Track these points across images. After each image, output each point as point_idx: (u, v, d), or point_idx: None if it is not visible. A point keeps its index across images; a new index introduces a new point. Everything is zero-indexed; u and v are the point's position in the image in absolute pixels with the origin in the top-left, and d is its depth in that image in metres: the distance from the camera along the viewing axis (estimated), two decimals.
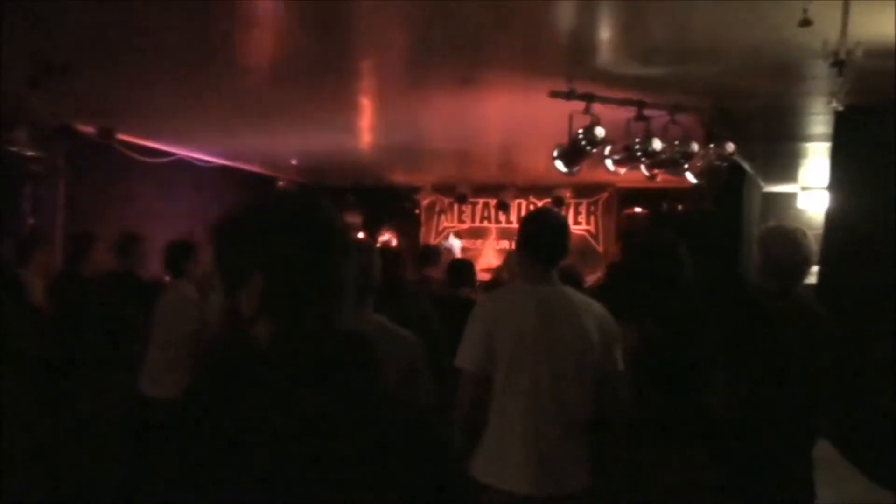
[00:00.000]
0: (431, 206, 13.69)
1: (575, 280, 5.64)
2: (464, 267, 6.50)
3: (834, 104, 5.53)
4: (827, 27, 4.23)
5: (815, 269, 5.52)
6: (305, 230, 1.48)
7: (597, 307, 3.52)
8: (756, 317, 3.90)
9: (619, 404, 3.48)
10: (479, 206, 13.50)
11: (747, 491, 3.74)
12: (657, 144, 6.40)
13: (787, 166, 9.87)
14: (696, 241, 7.17)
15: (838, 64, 4.17)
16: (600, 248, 12.68)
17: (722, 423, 3.67)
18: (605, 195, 12.72)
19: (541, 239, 3.53)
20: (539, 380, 3.34)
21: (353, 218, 13.23)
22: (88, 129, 8.71)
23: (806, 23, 3.87)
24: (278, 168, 12.26)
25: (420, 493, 1.42)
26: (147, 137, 9.93)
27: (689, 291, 3.85)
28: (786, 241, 3.93)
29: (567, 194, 12.51)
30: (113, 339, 5.56)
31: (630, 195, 12.05)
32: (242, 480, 1.33)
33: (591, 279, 10.78)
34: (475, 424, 3.43)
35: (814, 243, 4.03)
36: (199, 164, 11.18)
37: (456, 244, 12.53)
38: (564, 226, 3.63)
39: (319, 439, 1.36)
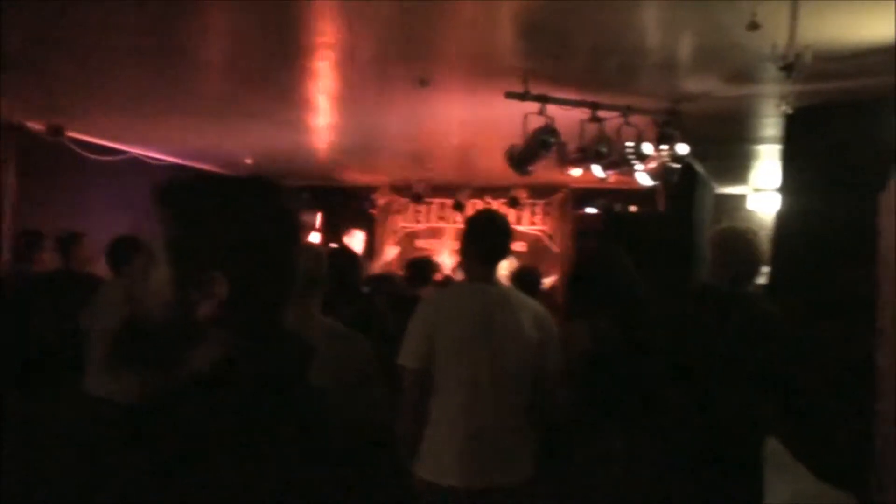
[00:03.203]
0: (388, 206, 13.65)
1: (532, 280, 5.70)
2: (423, 265, 6.49)
3: (784, 107, 5.63)
4: (776, 31, 4.29)
5: (765, 269, 5.60)
6: (280, 231, 1.37)
7: (535, 305, 3.65)
8: (707, 316, 3.96)
9: (560, 399, 3.59)
10: (436, 206, 13.49)
11: (697, 487, 3.79)
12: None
13: (738, 168, 9.99)
14: (649, 241, 7.26)
15: (787, 67, 4.24)
16: (556, 249, 12.73)
17: (671, 419, 3.72)
18: (559, 196, 12.77)
19: (483, 240, 3.63)
20: (478, 376, 3.43)
21: (310, 218, 13.15)
22: (38, 127, 8.57)
23: (754, 26, 3.94)
24: (233, 167, 12.13)
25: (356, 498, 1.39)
26: (98, 135, 9.79)
27: (641, 290, 3.90)
28: (738, 241, 4.00)
29: (523, 195, 12.54)
30: (62, 339, 5.46)
31: (585, 196, 12.11)
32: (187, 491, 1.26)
33: (547, 281, 10.83)
34: (419, 422, 3.50)
35: (764, 243, 4.10)
36: (151, 162, 11.03)
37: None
38: (506, 227, 3.74)
39: (259, 447, 1.29)
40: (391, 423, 3.51)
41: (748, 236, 4.01)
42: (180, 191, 1.38)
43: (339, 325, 3.49)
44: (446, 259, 13.01)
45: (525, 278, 5.52)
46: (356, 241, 11.44)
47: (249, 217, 1.35)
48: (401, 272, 7.77)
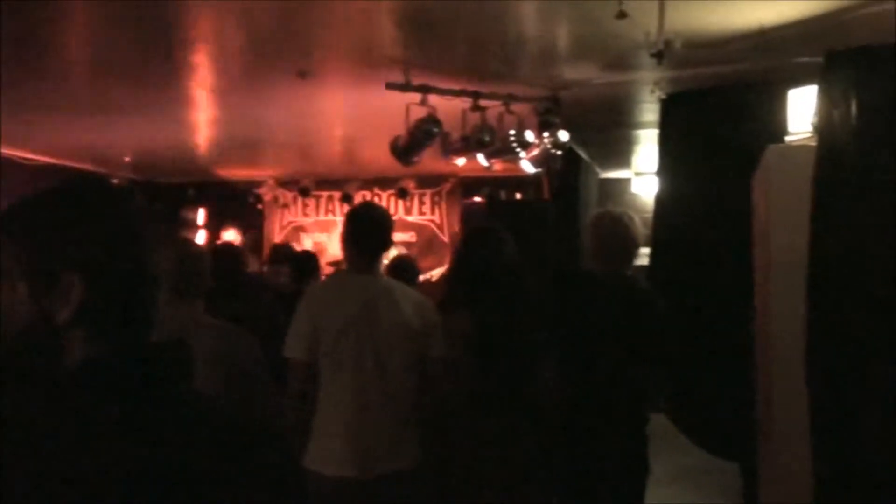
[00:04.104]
0: (275, 200, 13.45)
1: (409, 270, 5.72)
2: (308, 260, 6.44)
3: (657, 93, 5.78)
4: (648, 19, 4.41)
5: (647, 250, 5.76)
6: (126, 225, 1.35)
7: (416, 295, 3.78)
8: (587, 299, 4.05)
9: (444, 386, 3.67)
10: (324, 200, 13.37)
11: (581, 467, 3.88)
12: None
13: (621, 153, 10.21)
14: (533, 227, 7.36)
15: (657, 55, 4.36)
16: (446, 238, 12.78)
17: (554, 402, 3.81)
18: (447, 185, 12.81)
19: (363, 233, 3.71)
20: (362, 365, 3.51)
21: (195, 215, 12.92)
22: None
23: (622, 15, 4.03)
24: (111, 165, 11.80)
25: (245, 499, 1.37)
26: None
27: (521, 277, 3.96)
28: (613, 226, 4.09)
29: (411, 185, 12.55)
30: None
31: (472, 184, 12.21)
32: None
33: (436, 272, 10.86)
34: (305, 413, 3.55)
35: (641, 226, 4.21)
36: (25, 163, 10.63)
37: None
38: (385, 219, 3.84)
39: (137, 459, 1.24)
40: (280, 417, 3.52)
41: (623, 220, 4.11)
42: (22, 206, 1.36)
43: (223, 323, 3.46)
44: (337, 251, 12.93)
45: (401, 269, 5.52)
46: (231, 238, 11.33)
47: (102, 214, 1.35)
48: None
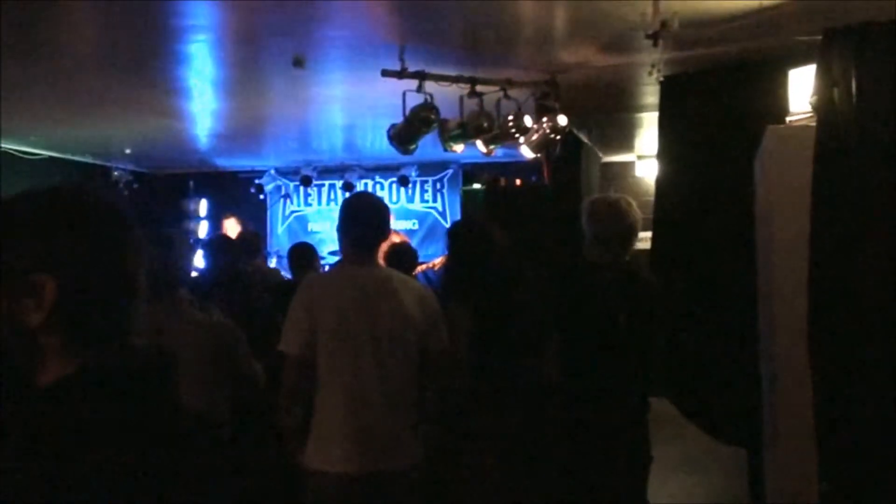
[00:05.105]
0: (276, 190, 13.41)
1: (407, 259, 5.66)
2: (305, 252, 6.38)
3: (655, 75, 5.71)
4: (644, 0, 4.35)
5: (648, 234, 5.70)
6: (102, 227, 1.32)
7: (417, 286, 3.69)
8: (585, 287, 4.00)
9: (447, 378, 3.60)
10: (325, 189, 13.33)
11: (584, 455, 3.84)
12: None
13: (623, 136, 10.12)
14: (532, 213, 7.30)
15: (653, 36, 4.29)
16: (448, 225, 12.74)
17: (556, 391, 3.76)
18: (449, 172, 12.77)
19: (358, 224, 3.60)
20: (361, 359, 3.41)
21: (196, 206, 12.91)
22: None
23: None
24: (112, 157, 11.81)
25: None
26: None
27: (516, 267, 3.92)
28: (609, 212, 4.03)
29: (412, 172, 12.51)
30: None
31: (474, 171, 12.16)
32: None
33: (440, 260, 10.82)
34: (302, 409, 3.45)
35: (638, 211, 4.14)
36: (24, 156, 10.61)
37: None
38: (381, 209, 3.71)
39: (120, 469, 1.20)
40: (275, 414, 3.47)
41: (620, 205, 4.04)
42: None
43: (206, 316, 3.41)
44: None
45: (399, 258, 5.42)
46: (230, 228, 11.32)
47: (77, 215, 1.31)
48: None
